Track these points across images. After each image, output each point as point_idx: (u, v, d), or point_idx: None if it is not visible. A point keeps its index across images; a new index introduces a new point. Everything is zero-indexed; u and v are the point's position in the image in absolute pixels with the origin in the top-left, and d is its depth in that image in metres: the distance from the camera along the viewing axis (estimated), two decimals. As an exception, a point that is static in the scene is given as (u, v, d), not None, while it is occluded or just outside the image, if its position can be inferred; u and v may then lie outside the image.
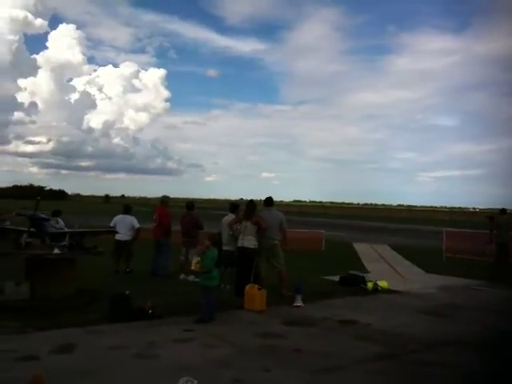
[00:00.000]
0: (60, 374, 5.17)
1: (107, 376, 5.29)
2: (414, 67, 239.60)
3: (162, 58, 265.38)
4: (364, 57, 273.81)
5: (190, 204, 12.68)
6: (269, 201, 10.69)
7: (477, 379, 5.74)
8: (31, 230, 9.11)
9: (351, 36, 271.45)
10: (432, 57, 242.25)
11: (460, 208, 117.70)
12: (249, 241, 9.88)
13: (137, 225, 12.53)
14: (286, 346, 6.55)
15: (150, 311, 7.80)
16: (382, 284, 11.14)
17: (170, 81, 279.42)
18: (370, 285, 11.01)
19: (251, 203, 10.45)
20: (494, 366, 6.22)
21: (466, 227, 25.49)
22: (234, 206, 11.43)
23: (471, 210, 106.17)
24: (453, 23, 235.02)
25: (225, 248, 10.47)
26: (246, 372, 5.49)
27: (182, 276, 11.57)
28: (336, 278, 11.97)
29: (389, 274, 13.63)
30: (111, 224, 12.56)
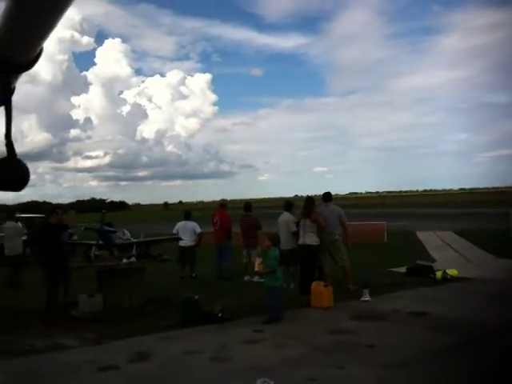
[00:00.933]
0: (141, 381, 5.34)
1: (186, 381, 5.41)
2: (461, 46, 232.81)
3: (206, 62, 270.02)
4: (410, 39, 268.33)
5: (248, 205, 12.77)
6: (327, 196, 10.61)
7: None
8: (100, 242, 9.45)
9: (395, 19, 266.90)
10: (480, 33, 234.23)
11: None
12: (310, 238, 9.84)
13: (199, 230, 12.73)
14: (358, 342, 6.48)
15: (220, 314, 7.90)
16: (452, 272, 10.81)
17: (215, 84, 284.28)
18: (438, 274, 10.71)
19: (309, 200, 10.41)
20: None
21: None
22: (288, 204, 11.42)
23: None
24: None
25: (284, 247, 10.46)
26: (321, 370, 5.47)
27: (247, 277, 11.67)
28: (402, 270, 11.73)
29: (457, 262, 13.23)
30: (174, 231, 12.83)
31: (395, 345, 6.31)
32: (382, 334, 6.87)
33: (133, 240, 10.18)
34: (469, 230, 22.41)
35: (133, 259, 9.11)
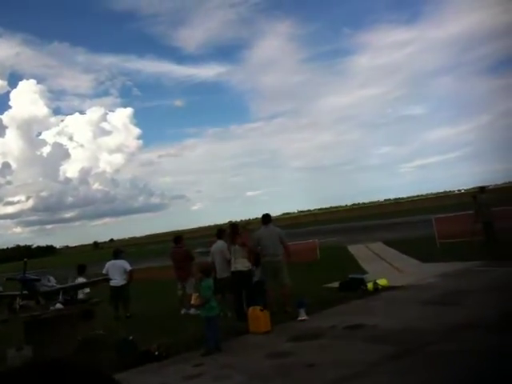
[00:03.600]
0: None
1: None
2: (375, 64, 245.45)
3: (126, 97, 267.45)
4: (325, 62, 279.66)
5: (178, 237, 12.66)
6: (266, 218, 10.68)
7: (498, 360, 5.61)
8: (24, 292, 8.97)
9: (308, 44, 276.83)
10: (391, 50, 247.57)
11: (445, 192, 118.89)
12: (242, 263, 9.86)
13: (129, 267, 12.42)
14: (298, 363, 6.49)
15: (157, 352, 7.69)
16: (382, 282, 11.13)
17: (138, 118, 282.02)
18: (370, 285, 10.99)
19: (232, 226, 10.52)
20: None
21: (454, 211, 25.63)
22: (220, 231, 11.40)
23: (456, 192, 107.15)
24: (404, 15, 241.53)
25: (220, 276, 10.39)
26: (262, 397, 5.42)
27: (184, 311, 11.45)
28: (336, 285, 11.93)
29: (387, 271, 13.63)
30: (104, 271, 12.43)
31: (334, 361, 6.35)
32: (321, 352, 6.91)
33: (58, 286, 9.74)
34: (397, 239, 23.24)
35: (58, 306, 8.71)
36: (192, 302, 10.59)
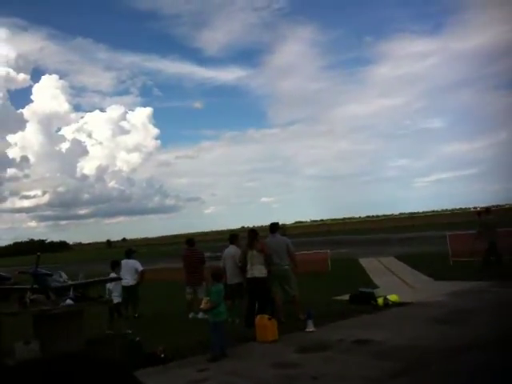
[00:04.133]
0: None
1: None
2: (395, 74, 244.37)
3: (146, 96, 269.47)
4: (345, 70, 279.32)
5: (191, 240, 12.65)
6: (273, 227, 10.68)
7: (500, 380, 5.60)
8: (34, 286, 9.06)
9: (329, 51, 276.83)
10: (412, 61, 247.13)
11: (461, 209, 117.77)
12: (259, 270, 9.82)
13: (140, 268, 12.47)
14: (303, 374, 6.46)
15: (162, 355, 7.70)
16: (392, 298, 11.04)
17: (157, 118, 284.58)
18: (380, 300, 10.91)
19: (252, 232, 10.44)
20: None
21: (469, 228, 25.33)
22: (232, 236, 11.40)
23: (472, 209, 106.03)
24: (427, 26, 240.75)
25: (231, 282, 10.38)
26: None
27: (192, 315, 11.45)
28: (346, 297, 11.86)
29: (398, 286, 13.55)
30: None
31: (339, 375, 6.33)
32: (326, 365, 6.87)
33: (70, 282, 9.82)
34: (409, 254, 23.07)
35: (69, 301, 8.78)
36: (201, 306, 10.64)
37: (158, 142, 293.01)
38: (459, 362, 6.42)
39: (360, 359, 7.04)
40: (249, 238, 10.28)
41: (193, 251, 12.26)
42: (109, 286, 11.05)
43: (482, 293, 11.46)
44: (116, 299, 10.85)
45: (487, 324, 8.34)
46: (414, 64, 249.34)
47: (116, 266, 11.58)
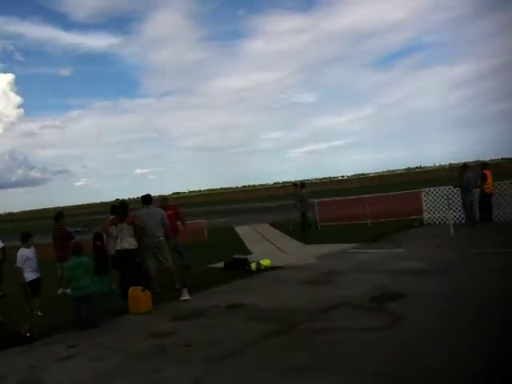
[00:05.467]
0: None
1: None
2: (269, 49, 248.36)
3: (7, 62, 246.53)
4: (222, 43, 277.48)
5: (59, 214, 12.06)
6: (147, 198, 10.47)
7: (371, 337, 5.87)
8: None
9: (205, 23, 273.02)
10: (286, 37, 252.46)
11: (329, 178, 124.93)
12: (128, 242, 9.64)
13: (1, 244, 11.60)
14: (177, 343, 6.49)
15: (28, 334, 7.31)
16: (265, 262, 11.47)
17: (20, 85, 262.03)
18: (253, 265, 11.28)
19: (122, 204, 10.23)
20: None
21: (336, 196, 27.01)
22: (113, 207, 11.01)
23: (339, 178, 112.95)
24: (300, 2, 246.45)
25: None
26: (138, 377, 5.38)
27: (61, 290, 10.99)
28: (221, 265, 12.09)
29: (271, 252, 14.07)
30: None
31: (213, 340, 6.44)
32: (200, 332, 6.98)
33: None
34: (282, 221, 23.93)
35: None
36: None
37: (21, 110, 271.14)
38: (330, 318, 6.82)
39: (233, 323, 7.24)
40: (119, 210, 10.03)
41: (60, 226, 11.69)
42: None
43: (347, 254, 12.36)
44: None
45: (354, 283, 8.91)
46: (288, 40, 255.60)
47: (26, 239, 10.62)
